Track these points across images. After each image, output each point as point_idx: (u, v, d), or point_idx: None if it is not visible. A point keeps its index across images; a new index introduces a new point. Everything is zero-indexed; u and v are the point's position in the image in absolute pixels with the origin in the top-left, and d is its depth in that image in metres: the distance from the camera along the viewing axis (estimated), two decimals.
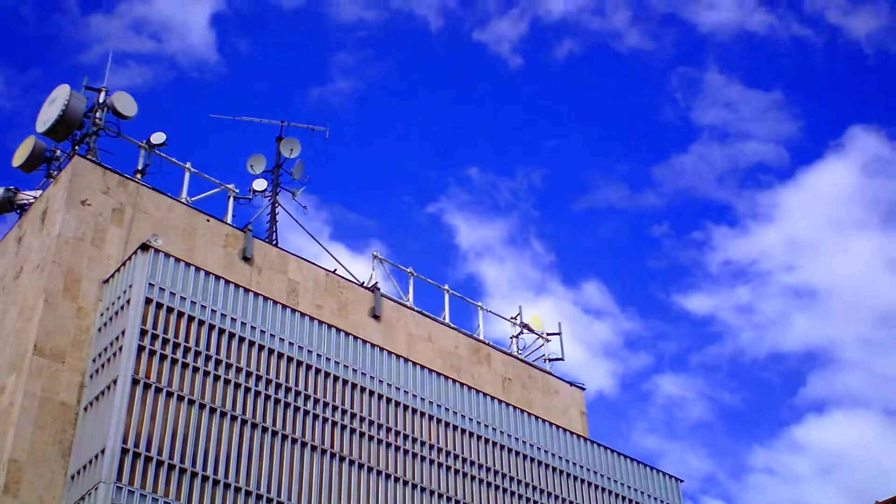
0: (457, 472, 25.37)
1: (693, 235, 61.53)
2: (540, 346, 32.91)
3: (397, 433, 24.82)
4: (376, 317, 28.29)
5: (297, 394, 23.51)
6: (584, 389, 32.32)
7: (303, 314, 24.83)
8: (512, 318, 32.94)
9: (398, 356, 26.11)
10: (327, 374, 24.33)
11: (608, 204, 60.63)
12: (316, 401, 23.75)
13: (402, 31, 62.34)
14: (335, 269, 28.50)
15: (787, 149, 60.83)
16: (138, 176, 26.40)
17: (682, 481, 30.22)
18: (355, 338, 25.50)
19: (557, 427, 28.30)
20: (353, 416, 24.23)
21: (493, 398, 27.38)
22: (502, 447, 26.66)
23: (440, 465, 25.15)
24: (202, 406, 21.84)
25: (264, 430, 22.53)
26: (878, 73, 59.45)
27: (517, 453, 26.87)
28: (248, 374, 22.92)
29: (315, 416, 23.55)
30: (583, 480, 27.82)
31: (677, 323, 62.05)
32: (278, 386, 23.28)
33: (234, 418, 22.18)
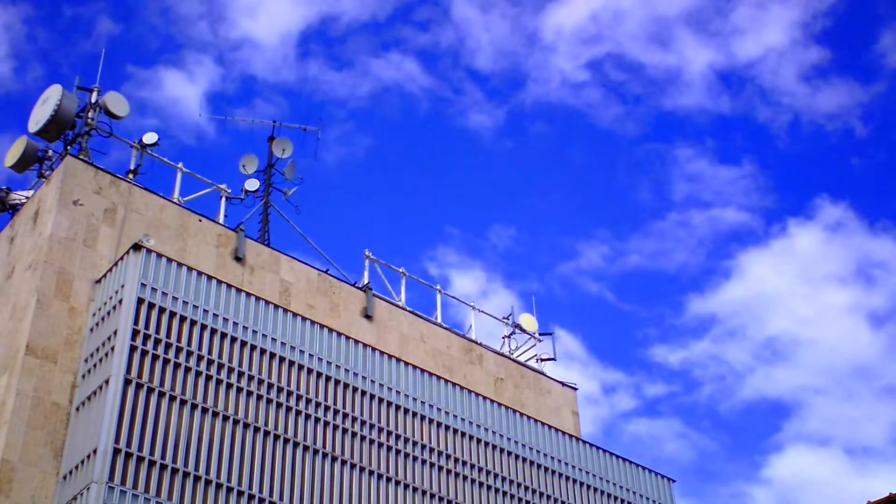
0: (449, 472, 25.40)
1: (670, 296, 66.19)
2: (532, 347, 32.94)
3: (389, 433, 24.85)
4: (368, 317, 28.31)
5: (289, 394, 23.53)
6: (576, 389, 32.34)
7: (295, 314, 24.84)
8: (504, 318, 32.96)
9: (390, 356, 26.14)
10: (319, 374, 24.35)
11: (587, 266, 62.78)
12: (308, 401, 23.77)
13: (387, 109, 64.03)
14: (327, 269, 28.52)
15: (758, 216, 65.11)
16: (130, 176, 26.39)
17: (674, 481, 30.29)
18: (347, 338, 25.52)
19: (549, 427, 28.34)
20: (345, 416, 24.25)
21: (485, 398, 27.42)
22: (494, 447, 26.70)
23: (432, 465, 25.18)
24: (194, 406, 21.85)
25: (256, 429, 22.54)
26: (840, 149, 63.70)
27: (509, 453, 26.90)
28: (241, 374, 22.93)
29: (307, 417, 23.57)
30: (575, 480, 27.86)
31: (653, 372, 64.10)
32: (270, 386, 23.29)
33: (226, 418, 22.19)
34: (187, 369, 22.17)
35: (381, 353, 25.99)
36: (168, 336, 22.23)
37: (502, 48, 67.51)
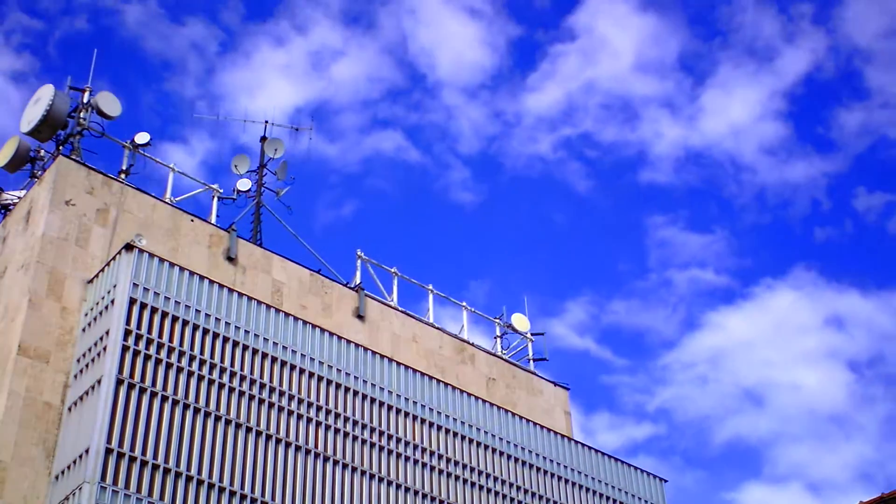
0: (441, 472, 25.44)
1: (650, 348, 70.21)
2: (524, 347, 32.96)
3: (381, 433, 24.87)
4: (360, 317, 28.32)
5: (282, 394, 23.56)
6: (568, 389, 32.40)
7: (287, 314, 24.86)
8: (496, 318, 32.96)
9: (382, 356, 26.16)
10: (311, 374, 24.38)
11: (573, 322, 64.93)
12: (300, 401, 23.80)
13: (375, 176, 67.58)
14: (319, 269, 28.53)
15: (730, 276, 68.90)
16: (122, 176, 26.39)
17: (665, 481, 30.33)
18: (339, 338, 25.54)
19: (542, 427, 28.38)
20: (337, 416, 24.28)
21: (477, 398, 27.46)
22: (486, 447, 26.73)
23: (424, 465, 25.21)
24: (186, 406, 21.87)
25: (248, 429, 22.57)
26: (812, 220, 67.74)
27: (501, 453, 26.94)
28: (233, 375, 22.96)
29: (299, 416, 23.59)
30: (567, 480, 27.91)
31: (638, 417, 66.47)
32: (262, 386, 23.31)
33: (218, 418, 22.20)
34: (179, 369, 22.18)
35: (373, 353, 26.02)
36: (160, 336, 22.25)
37: (483, 129, 70.97)
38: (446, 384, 27.09)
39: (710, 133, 67.91)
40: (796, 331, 67.17)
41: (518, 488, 26.70)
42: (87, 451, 20.18)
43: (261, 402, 23.11)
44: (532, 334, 33.17)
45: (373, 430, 24.76)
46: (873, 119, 65.67)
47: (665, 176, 68.60)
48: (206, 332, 23.07)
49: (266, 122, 33.21)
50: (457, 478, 25.65)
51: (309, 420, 23.72)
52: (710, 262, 68.50)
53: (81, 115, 27.04)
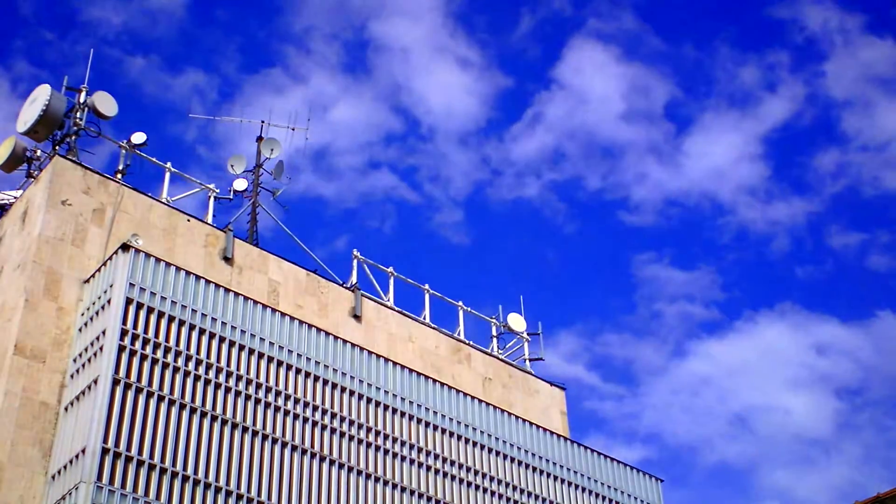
0: (437, 471, 25.46)
1: (638, 376, 72.52)
2: (520, 347, 32.99)
3: (378, 433, 24.90)
4: (357, 317, 28.35)
5: (278, 393, 23.58)
6: (564, 389, 32.43)
7: (283, 314, 24.89)
8: (492, 318, 32.98)
9: (378, 356, 26.20)
10: (308, 374, 24.40)
11: (564, 352, 66.91)
12: (296, 400, 23.82)
13: (367, 216, 70.94)
14: (316, 269, 28.55)
15: (716, 309, 71.61)
16: (119, 176, 26.40)
17: (662, 481, 30.38)
18: (336, 338, 25.57)
19: (538, 427, 28.41)
20: (333, 415, 24.30)
21: (473, 398, 27.49)
22: (483, 447, 26.76)
23: (420, 464, 25.24)
24: (183, 406, 21.89)
25: (244, 429, 22.59)
26: (792, 257, 71.01)
27: (497, 453, 26.97)
28: (229, 374, 22.98)
29: (295, 416, 23.61)
30: (563, 480, 27.94)
31: (629, 439, 70.25)
32: (259, 386, 23.34)
33: (214, 418, 22.23)
34: (176, 369, 22.20)
35: (370, 352, 26.05)
36: (157, 336, 22.26)
37: (474, 172, 73.95)
38: (442, 384, 27.12)
39: (693, 176, 71.40)
40: (781, 359, 70.13)
41: (514, 488, 26.73)
42: (83, 451, 20.19)
43: (257, 401, 23.13)
44: (528, 334, 33.20)
45: (369, 429, 24.78)
46: (849, 162, 69.11)
47: (650, 217, 71.75)
48: (202, 331, 23.09)
49: (262, 121, 33.24)
50: (453, 477, 25.68)
51: (305, 419, 23.74)
52: (697, 296, 71.61)
53: (78, 115, 27.05)
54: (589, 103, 71.99)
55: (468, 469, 26.09)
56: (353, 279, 29.41)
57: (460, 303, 31.91)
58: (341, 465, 23.79)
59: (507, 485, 26.63)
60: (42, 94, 26.76)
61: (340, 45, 71.74)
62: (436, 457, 25.65)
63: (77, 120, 26.96)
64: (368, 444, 24.57)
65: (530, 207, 73.50)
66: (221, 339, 23.33)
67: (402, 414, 25.68)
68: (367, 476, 24.12)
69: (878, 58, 68.03)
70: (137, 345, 21.84)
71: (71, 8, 69.16)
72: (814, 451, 70.48)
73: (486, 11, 73.35)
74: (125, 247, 22.83)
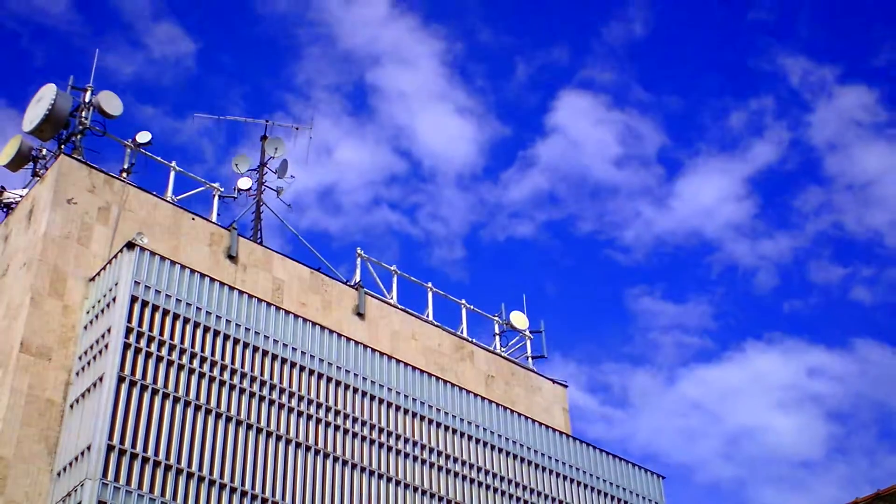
0: (440, 468, 25.58)
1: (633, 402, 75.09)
2: (523, 344, 33.10)
3: (381, 430, 25.02)
4: (360, 314, 28.47)
5: (282, 391, 23.70)
6: (566, 387, 32.53)
7: (287, 312, 25.01)
8: (495, 315, 33.09)
9: (382, 354, 26.31)
10: (311, 372, 24.53)
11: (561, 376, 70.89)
12: (300, 398, 23.95)
13: (371, 248, 73.04)
14: (319, 268, 28.68)
15: (713, 340, 74.93)
16: (124, 175, 26.55)
17: (664, 478, 30.50)
18: (339, 335, 25.69)
19: (540, 424, 28.53)
20: (337, 413, 24.43)
21: (476, 395, 27.60)
22: (485, 444, 26.88)
23: (423, 461, 25.36)
24: (187, 403, 22.03)
25: (249, 426, 22.71)
26: (779, 290, 74.37)
27: (500, 450, 27.09)
28: (233, 372, 23.11)
29: (299, 413, 23.74)
30: (566, 477, 28.06)
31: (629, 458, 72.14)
32: (263, 383, 23.46)
33: (219, 415, 22.36)
34: (180, 366, 22.34)
35: (373, 350, 26.17)
36: (161, 334, 22.40)
37: (472, 211, 76.63)
38: (445, 381, 27.24)
39: (682, 215, 75.24)
40: (771, 384, 73.40)
41: (517, 485, 26.85)
42: (88, 448, 20.34)
43: (261, 399, 23.26)
44: (531, 332, 33.30)
45: (372, 426, 24.91)
46: (832, 200, 73.50)
47: (641, 254, 75.24)
48: (206, 329, 23.22)
49: (266, 121, 33.37)
50: (456, 474, 25.81)
51: (309, 417, 23.86)
52: (689, 326, 75.15)
53: (83, 114, 27.18)
54: (581, 149, 76.07)
55: (471, 466, 26.22)
56: (357, 277, 29.51)
57: (463, 301, 32.03)
58: (345, 462, 23.92)
59: (509, 481, 26.75)
60: (48, 94, 26.88)
61: (342, 93, 75.53)
62: (439, 454, 25.77)
63: (82, 119, 27.10)
64: (372, 441, 24.69)
65: (526, 244, 76.97)
66: (226, 337, 23.46)
67: (406, 411, 25.80)
68: (371, 473, 24.25)
69: (855, 104, 72.79)
70: (142, 342, 21.98)
71: (83, 58, 70.86)
72: (803, 473, 73.81)
73: (483, 60, 77.68)
74: (130, 245, 22.95)
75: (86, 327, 23.00)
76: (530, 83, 77.40)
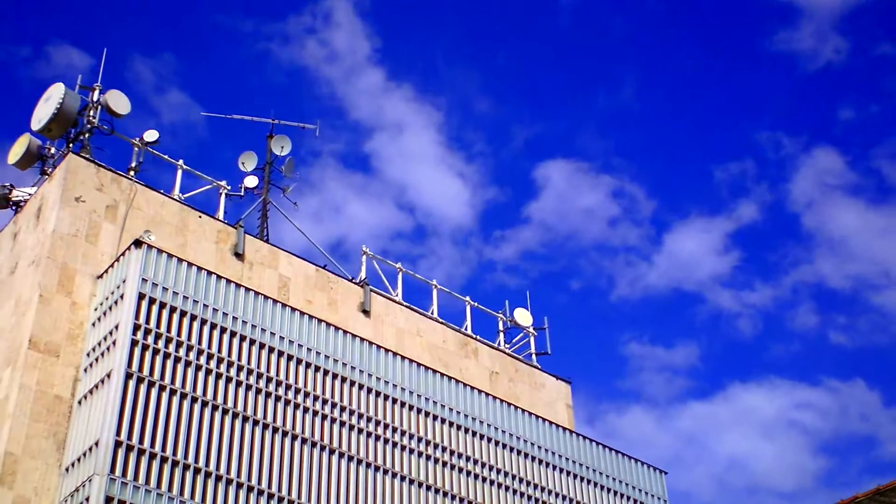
0: (444, 463, 25.75)
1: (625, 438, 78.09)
2: (527, 341, 33.23)
3: (386, 426, 25.19)
4: (365, 312, 28.61)
5: (288, 387, 23.88)
6: (570, 383, 32.67)
7: (293, 309, 25.17)
8: (499, 312, 33.21)
9: (387, 350, 26.48)
10: (317, 368, 24.69)
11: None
12: (306, 394, 24.12)
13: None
14: (325, 265, 28.84)
15: (703, 381, 78.49)
16: (131, 173, 26.71)
17: (666, 473, 30.65)
18: (345, 332, 25.85)
19: (544, 420, 28.69)
20: (342, 408, 24.60)
21: (480, 391, 27.76)
22: (490, 440, 27.06)
23: (428, 457, 25.53)
24: (194, 399, 22.20)
25: (255, 422, 22.89)
26: (763, 336, 78.59)
27: (504, 446, 27.26)
28: (240, 368, 23.27)
29: (305, 409, 23.91)
30: (569, 472, 28.23)
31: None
32: (269, 379, 23.63)
33: (225, 411, 22.54)
34: (187, 363, 22.52)
35: (378, 347, 26.33)
36: (168, 331, 22.58)
37: (470, 262, 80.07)
38: (450, 378, 27.41)
39: (668, 268, 79.92)
40: (760, 419, 77.49)
41: (521, 480, 27.02)
42: (96, 444, 20.53)
43: (267, 395, 23.44)
44: (535, 329, 33.44)
45: (377, 422, 25.09)
46: (810, 254, 78.94)
47: (629, 305, 79.80)
48: (213, 326, 23.41)
49: (273, 119, 33.54)
50: (460, 469, 25.98)
51: (315, 413, 24.04)
52: (680, 367, 79.39)
53: (91, 113, 27.35)
54: (572, 210, 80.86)
55: (475, 461, 26.39)
56: (363, 275, 29.66)
57: (467, 298, 32.19)
58: (350, 458, 24.10)
59: (513, 477, 26.93)
60: (56, 93, 27.05)
61: (345, 158, 79.80)
62: (443, 449, 25.95)
63: (90, 118, 27.27)
64: (377, 437, 24.87)
65: (522, 294, 79.52)
66: (232, 334, 23.64)
67: (411, 407, 25.98)
68: (376, 468, 24.42)
69: (829, 167, 79.52)
70: (150, 339, 22.16)
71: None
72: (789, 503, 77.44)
73: (480, 129, 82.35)
74: (138, 243, 23.13)
75: (94, 324, 23.18)
76: (525, 149, 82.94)
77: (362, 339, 26.11)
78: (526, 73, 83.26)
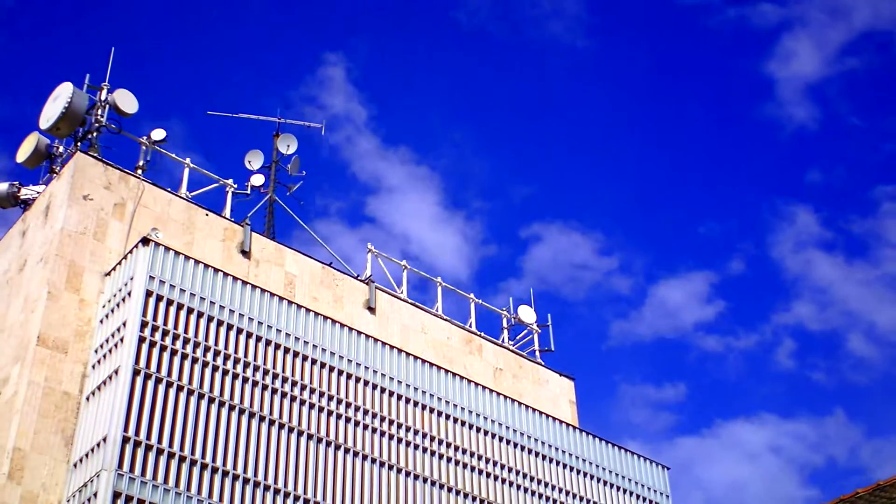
0: (448, 459, 25.90)
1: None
2: (530, 338, 33.37)
3: (391, 422, 25.36)
4: (371, 308, 28.75)
5: (294, 383, 24.05)
6: (573, 380, 32.80)
7: (299, 306, 25.33)
8: (503, 309, 33.36)
9: (392, 347, 26.64)
10: (323, 364, 24.85)
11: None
12: (312, 390, 24.28)
13: None
14: (331, 262, 28.98)
15: (691, 417, 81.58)
16: (139, 171, 26.86)
17: (669, 469, 30.79)
18: (350, 329, 26.01)
19: (547, 416, 28.85)
20: (348, 405, 24.77)
21: (484, 388, 27.93)
22: (493, 435, 27.22)
23: (433, 453, 25.70)
24: (201, 395, 22.37)
25: (261, 418, 23.06)
26: (747, 377, 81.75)
27: (508, 441, 27.43)
28: (246, 365, 23.44)
29: (311, 405, 24.08)
30: (572, 468, 28.39)
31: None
32: (275, 376, 23.80)
33: (232, 407, 22.72)
34: (195, 359, 22.68)
35: (383, 343, 26.49)
36: (176, 327, 22.75)
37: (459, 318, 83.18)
38: (454, 374, 27.56)
39: (657, 317, 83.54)
40: (750, 450, 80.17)
41: (524, 476, 27.19)
42: (104, 440, 20.70)
43: (274, 391, 23.61)
44: (538, 325, 33.58)
45: (383, 418, 25.26)
46: (789, 304, 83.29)
47: (620, 351, 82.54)
48: (220, 323, 23.57)
49: (279, 118, 33.71)
50: (464, 465, 26.15)
51: (321, 409, 24.21)
52: (669, 405, 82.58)
53: (99, 112, 27.49)
54: (563, 265, 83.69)
55: (479, 457, 26.56)
56: (368, 272, 29.79)
57: (472, 295, 32.31)
58: (356, 454, 24.26)
59: (517, 472, 27.10)
60: (64, 92, 27.19)
61: (345, 216, 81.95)
62: (447, 445, 26.11)
63: (98, 117, 27.42)
64: (382, 433, 25.03)
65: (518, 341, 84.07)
66: (239, 331, 23.80)
67: (415, 403, 26.15)
68: (382, 464, 24.59)
69: (807, 222, 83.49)
70: (157, 336, 22.33)
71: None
72: None
73: (477, 191, 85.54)
74: (145, 240, 23.28)
75: (101, 321, 23.34)
76: (521, 207, 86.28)
77: (367, 336, 26.27)
78: (518, 135, 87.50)
